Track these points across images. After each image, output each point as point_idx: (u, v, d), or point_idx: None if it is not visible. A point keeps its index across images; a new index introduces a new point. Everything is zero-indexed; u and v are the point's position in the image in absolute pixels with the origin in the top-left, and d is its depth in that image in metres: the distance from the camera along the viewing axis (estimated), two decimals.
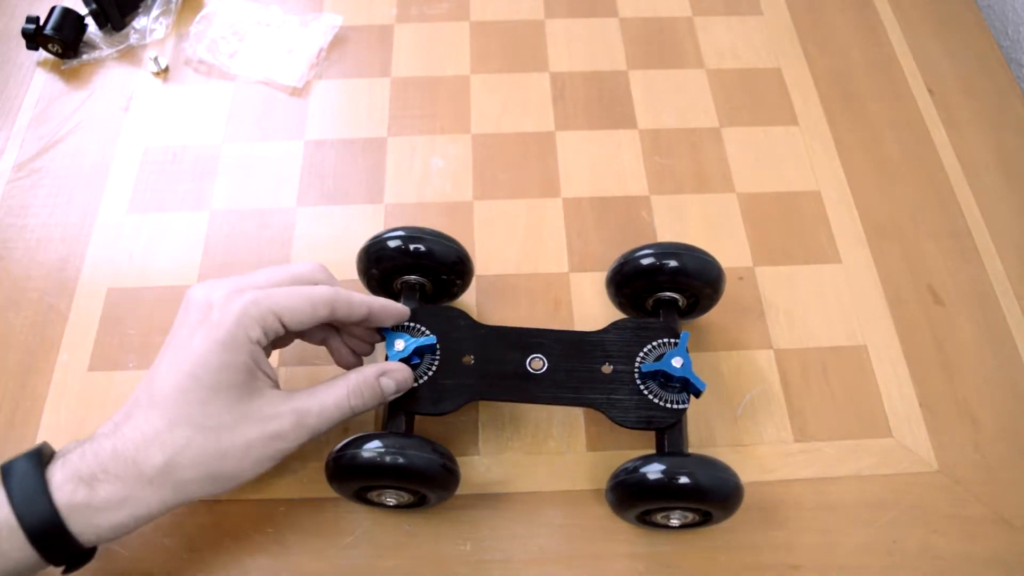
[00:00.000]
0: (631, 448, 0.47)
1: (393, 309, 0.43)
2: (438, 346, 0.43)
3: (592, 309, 0.53)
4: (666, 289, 0.46)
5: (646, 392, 0.42)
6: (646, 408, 0.42)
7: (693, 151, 0.61)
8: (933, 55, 0.67)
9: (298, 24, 0.67)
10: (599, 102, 0.64)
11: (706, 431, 0.48)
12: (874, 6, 0.71)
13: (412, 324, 0.44)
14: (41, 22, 0.63)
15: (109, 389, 0.49)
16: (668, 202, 0.58)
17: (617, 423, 0.42)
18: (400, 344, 0.42)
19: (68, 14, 0.64)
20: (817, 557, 0.44)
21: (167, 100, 0.64)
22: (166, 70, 0.66)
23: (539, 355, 0.43)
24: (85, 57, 0.66)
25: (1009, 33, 0.73)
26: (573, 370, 0.43)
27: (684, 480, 0.38)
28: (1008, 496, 0.46)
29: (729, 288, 0.54)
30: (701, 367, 0.50)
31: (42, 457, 0.35)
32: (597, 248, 0.56)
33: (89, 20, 0.66)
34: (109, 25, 0.67)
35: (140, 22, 0.67)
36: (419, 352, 0.43)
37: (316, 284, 0.41)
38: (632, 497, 0.40)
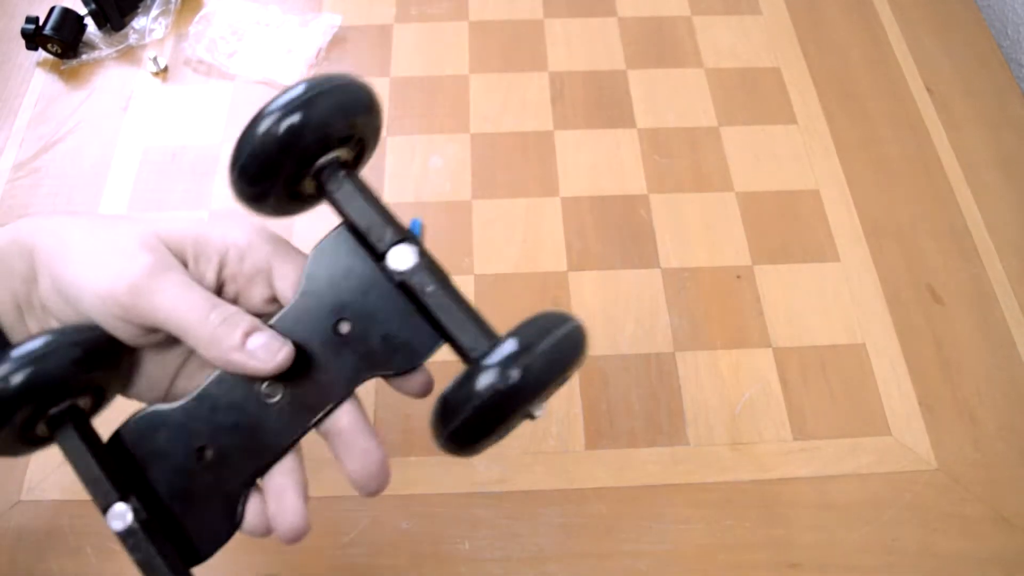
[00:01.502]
0: (630, 446, 0.47)
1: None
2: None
3: (592, 308, 0.53)
4: (325, 151, 0.30)
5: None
6: (412, 314, 0.30)
7: (692, 150, 0.61)
8: (932, 55, 0.67)
9: (297, 24, 0.68)
10: (598, 101, 0.64)
11: (705, 429, 0.48)
12: (873, 6, 0.71)
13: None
14: (41, 22, 0.63)
15: None
16: (667, 201, 0.58)
17: (407, 369, 0.31)
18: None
19: (68, 14, 0.64)
20: (816, 555, 0.44)
21: (166, 100, 0.64)
22: (165, 70, 0.66)
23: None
24: (84, 57, 0.66)
25: (1009, 33, 0.73)
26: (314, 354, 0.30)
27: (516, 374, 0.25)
28: (1007, 494, 0.46)
29: (728, 287, 0.54)
30: (700, 365, 0.51)
31: None
32: (596, 247, 0.56)
33: (88, 20, 0.66)
34: (108, 25, 0.67)
35: (139, 22, 0.67)
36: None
37: None
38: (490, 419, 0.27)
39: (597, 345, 0.51)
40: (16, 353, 0.27)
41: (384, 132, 0.62)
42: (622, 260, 0.55)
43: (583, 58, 0.67)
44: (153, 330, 0.29)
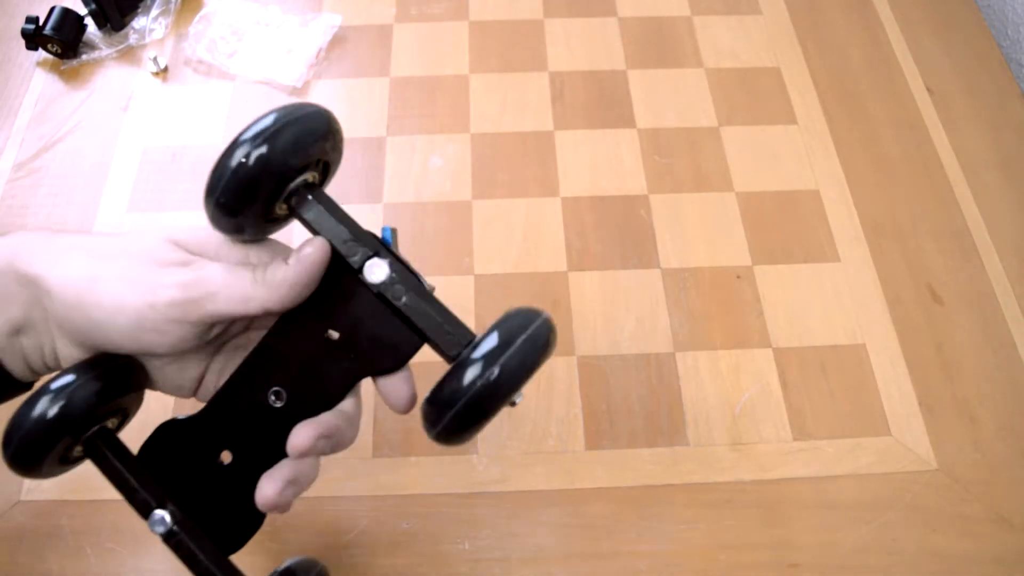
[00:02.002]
0: (630, 446, 0.47)
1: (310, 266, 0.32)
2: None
3: (592, 308, 0.53)
4: (294, 176, 0.31)
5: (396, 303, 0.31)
6: (395, 317, 0.32)
7: (692, 150, 0.61)
8: (933, 55, 0.67)
9: (297, 24, 0.68)
10: (598, 101, 0.64)
11: (705, 429, 0.48)
12: (873, 6, 0.71)
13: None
14: (41, 22, 0.63)
15: None
16: (667, 201, 0.58)
17: (396, 368, 0.33)
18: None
19: (68, 14, 0.64)
20: (816, 556, 0.44)
21: (166, 100, 0.64)
22: (165, 70, 0.66)
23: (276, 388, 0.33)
24: (84, 57, 0.66)
25: (1009, 33, 0.73)
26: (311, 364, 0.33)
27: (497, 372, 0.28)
28: (1007, 495, 0.46)
29: (728, 287, 0.54)
30: (700, 365, 0.51)
31: None
32: (596, 247, 0.56)
33: (88, 20, 0.66)
34: (108, 25, 0.67)
35: (139, 22, 0.67)
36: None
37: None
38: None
39: (597, 345, 0.51)
40: (51, 389, 0.30)
41: (384, 132, 0.62)
42: (622, 260, 0.55)
43: (583, 58, 0.67)
44: (205, 325, 0.31)
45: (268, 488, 0.31)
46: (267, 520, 0.45)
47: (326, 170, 0.34)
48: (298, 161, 0.31)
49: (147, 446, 0.33)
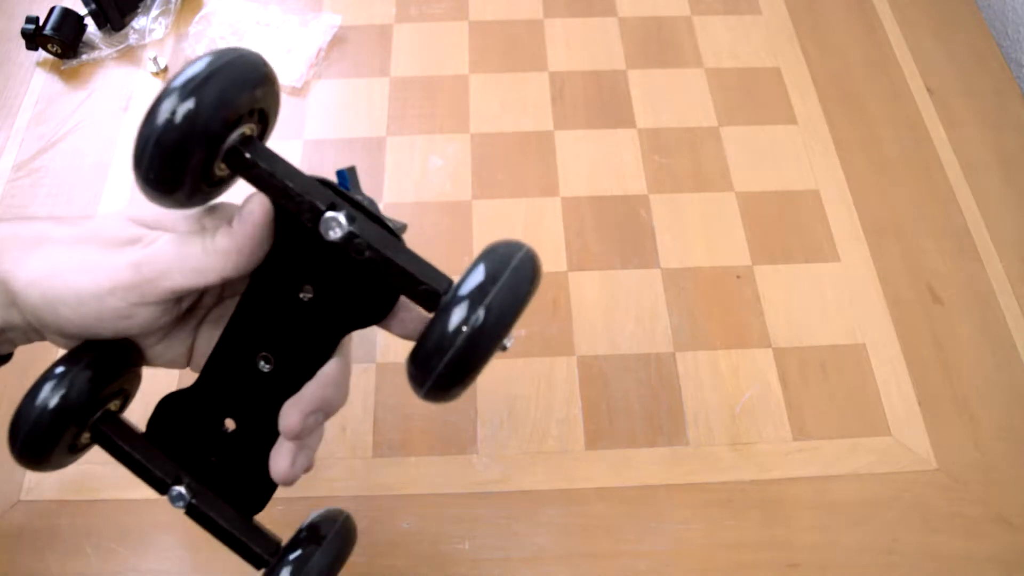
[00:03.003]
0: (630, 446, 0.47)
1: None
2: None
3: (592, 308, 0.53)
4: (229, 130, 0.28)
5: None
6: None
7: (692, 150, 0.61)
8: (932, 55, 0.67)
9: (297, 24, 0.68)
10: (598, 101, 0.64)
11: (705, 429, 0.48)
12: (873, 6, 0.71)
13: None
14: (41, 22, 0.63)
15: None
16: (667, 201, 0.58)
17: (373, 321, 0.31)
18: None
19: (68, 14, 0.64)
20: (816, 555, 0.44)
21: None
22: (165, 70, 0.66)
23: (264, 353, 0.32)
24: (84, 57, 0.66)
25: (1009, 33, 0.73)
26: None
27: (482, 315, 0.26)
28: (1007, 494, 0.46)
29: (728, 287, 0.54)
30: (700, 365, 0.51)
31: None
32: (596, 247, 0.56)
33: (88, 20, 0.66)
34: (108, 25, 0.67)
35: (139, 22, 0.67)
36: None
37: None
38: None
39: (597, 345, 0.51)
40: (49, 380, 0.29)
41: (384, 132, 0.62)
42: (622, 260, 0.55)
43: (583, 58, 0.67)
44: (168, 302, 0.30)
45: (280, 463, 0.31)
46: (266, 520, 0.45)
47: (264, 120, 0.31)
48: (234, 111, 0.27)
49: (153, 422, 0.33)
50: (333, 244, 0.28)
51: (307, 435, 0.31)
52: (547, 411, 0.49)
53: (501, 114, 0.63)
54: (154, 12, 0.68)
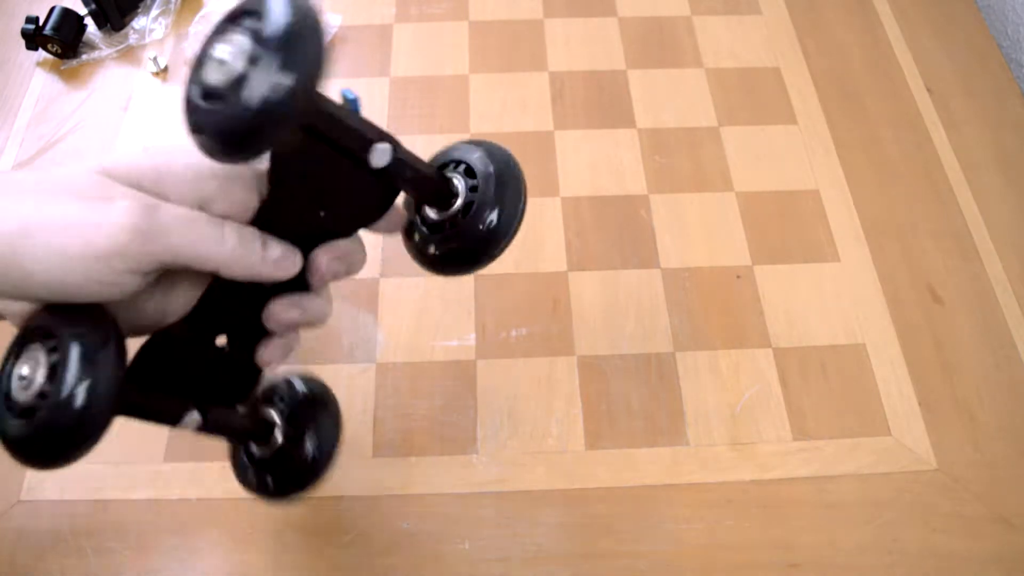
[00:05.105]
0: (630, 446, 0.47)
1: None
2: None
3: (592, 308, 0.53)
4: None
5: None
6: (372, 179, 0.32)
7: (692, 150, 0.61)
8: (932, 55, 0.67)
9: None
10: (598, 101, 0.64)
11: (705, 429, 0.48)
12: (873, 6, 0.71)
13: None
14: (41, 22, 0.63)
15: None
16: (667, 201, 0.58)
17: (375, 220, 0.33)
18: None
19: (67, 14, 0.64)
20: (816, 556, 0.44)
21: (166, 100, 0.64)
22: (165, 70, 0.66)
23: None
24: (84, 57, 0.66)
25: (1009, 33, 0.73)
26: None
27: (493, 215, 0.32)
28: (1007, 494, 0.46)
29: (728, 287, 0.54)
30: (700, 365, 0.51)
31: None
32: (596, 247, 0.56)
33: (88, 20, 0.66)
34: (108, 25, 0.67)
35: (139, 22, 0.67)
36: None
37: None
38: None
39: (597, 345, 0.51)
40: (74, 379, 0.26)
41: None
42: (622, 260, 0.55)
43: (583, 58, 0.67)
44: (156, 272, 0.28)
45: (274, 352, 0.33)
46: (267, 520, 0.45)
47: None
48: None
49: (137, 365, 0.30)
50: (361, 168, 0.31)
51: (330, 279, 0.32)
52: (547, 411, 0.49)
53: (501, 114, 0.63)
54: (154, 12, 0.68)
